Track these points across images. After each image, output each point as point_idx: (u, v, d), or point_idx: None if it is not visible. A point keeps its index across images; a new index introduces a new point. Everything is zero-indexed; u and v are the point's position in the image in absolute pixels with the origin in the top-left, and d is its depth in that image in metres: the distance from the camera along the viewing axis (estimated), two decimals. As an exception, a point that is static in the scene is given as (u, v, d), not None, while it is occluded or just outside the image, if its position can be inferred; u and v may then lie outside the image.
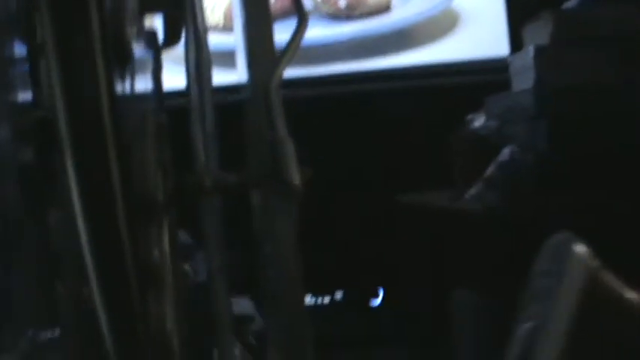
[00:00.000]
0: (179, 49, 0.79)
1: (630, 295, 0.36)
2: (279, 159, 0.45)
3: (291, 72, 0.64)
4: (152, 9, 0.71)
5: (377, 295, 3.04)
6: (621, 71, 2.23)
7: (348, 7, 2.90)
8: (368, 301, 3.02)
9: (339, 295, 3.00)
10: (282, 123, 0.49)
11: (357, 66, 2.86)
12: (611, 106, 2.21)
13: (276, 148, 0.46)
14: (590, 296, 0.35)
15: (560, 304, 0.35)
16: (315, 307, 2.93)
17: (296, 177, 0.46)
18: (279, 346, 0.61)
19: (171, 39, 0.74)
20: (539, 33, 2.36)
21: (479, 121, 2.57)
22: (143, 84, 0.69)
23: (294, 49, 0.57)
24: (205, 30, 0.67)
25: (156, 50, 0.80)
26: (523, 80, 2.35)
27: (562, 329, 0.36)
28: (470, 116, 2.62)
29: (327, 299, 2.96)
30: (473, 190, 2.34)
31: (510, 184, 2.23)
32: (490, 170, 2.30)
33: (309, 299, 2.81)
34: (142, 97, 0.65)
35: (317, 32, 2.82)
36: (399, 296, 2.87)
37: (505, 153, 2.28)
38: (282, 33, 0.72)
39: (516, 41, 2.58)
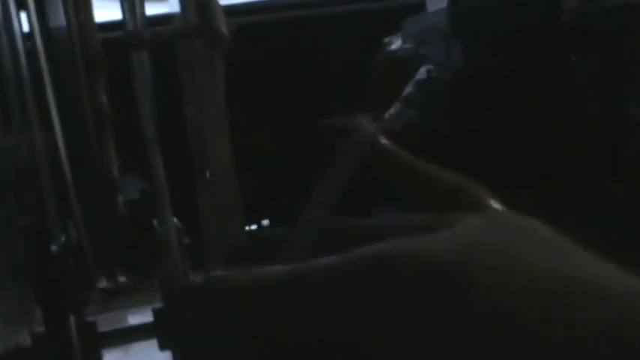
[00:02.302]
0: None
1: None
2: (208, 11, 0.49)
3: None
4: None
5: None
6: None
7: None
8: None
9: (265, 223, 3.05)
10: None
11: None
12: (523, 20, 2.29)
13: (203, 3, 0.49)
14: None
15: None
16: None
17: (224, 28, 0.49)
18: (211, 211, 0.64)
19: None
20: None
21: (396, 43, 2.62)
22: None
23: None
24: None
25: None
26: (437, 0, 2.40)
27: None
28: (387, 39, 2.67)
29: (253, 227, 3.00)
30: (392, 110, 2.39)
31: (428, 102, 2.29)
32: (408, 90, 2.36)
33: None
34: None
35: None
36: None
37: (422, 72, 2.34)
38: None
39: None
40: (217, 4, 0.51)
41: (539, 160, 2.29)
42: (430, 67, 2.33)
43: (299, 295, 0.37)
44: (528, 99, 2.27)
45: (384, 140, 0.46)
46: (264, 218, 3.00)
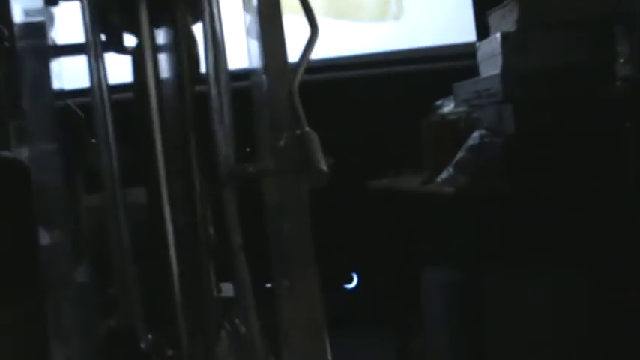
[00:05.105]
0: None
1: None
2: (308, 149, 0.51)
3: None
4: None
5: (351, 280, 3.09)
6: (589, 53, 2.31)
7: None
8: (343, 285, 3.07)
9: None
10: (305, 120, 0.55)
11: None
12: (575, 88, 2.29)
13: (304, 141, 0.51)
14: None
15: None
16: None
17: (324, 164, 0.51)
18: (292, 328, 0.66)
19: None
20: (504, 20, 2.44)
21: (448, 106, 2.64)
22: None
23: (308, 57, 0.63)
24: (223, 30, 0.71)
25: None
26: (490, 66, 2.42)
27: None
28: (439, 102, 2.69)
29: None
30: (444, 174, 2.40)
31: (481, 167, 2.29)
32: (461, 154, 2.37)
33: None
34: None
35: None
36: (373, 279, 2.93)
37: (475, 137, 2.34)
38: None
39: (482, 28, 2.64)
40: (317, 139, 0.53)
41: (590, 227, 2.27)
42: (483, 132, 2.34)
43: None
44: (581, 165, 2.27)
45: None
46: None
